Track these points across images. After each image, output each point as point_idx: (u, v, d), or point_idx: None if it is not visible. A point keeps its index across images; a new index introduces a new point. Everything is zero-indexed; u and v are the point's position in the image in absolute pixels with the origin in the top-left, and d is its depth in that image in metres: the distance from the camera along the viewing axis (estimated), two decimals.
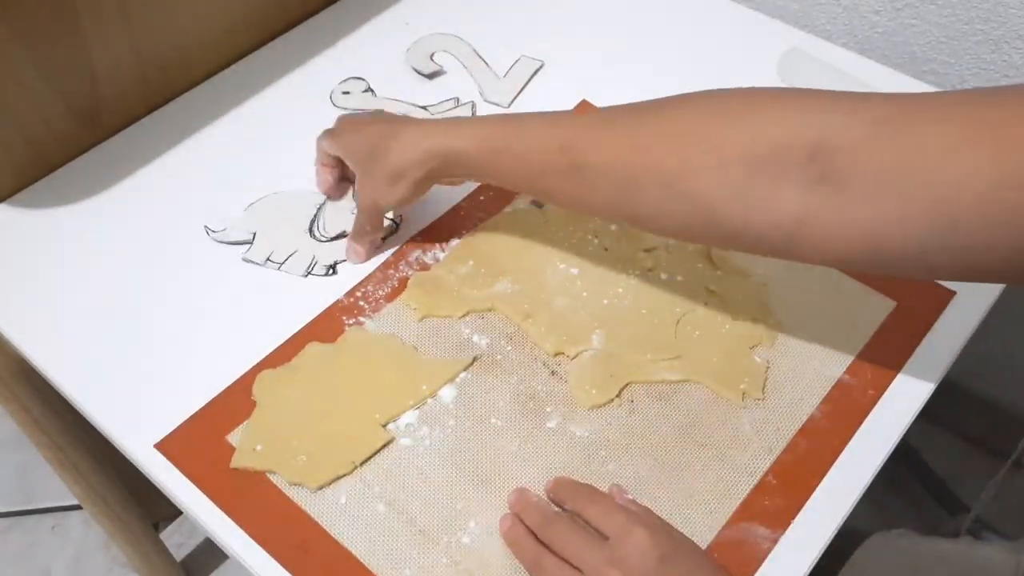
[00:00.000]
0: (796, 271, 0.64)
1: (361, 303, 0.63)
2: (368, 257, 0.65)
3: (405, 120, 0.61)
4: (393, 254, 0.65)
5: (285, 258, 0.65)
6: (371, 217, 0.63)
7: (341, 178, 0.69)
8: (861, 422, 0.57)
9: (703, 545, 0.51)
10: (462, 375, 0.59)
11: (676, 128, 0.49)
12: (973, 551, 0.62)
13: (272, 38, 0.82)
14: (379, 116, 0.64)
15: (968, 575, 0.56)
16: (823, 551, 0.52)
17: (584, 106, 0.76)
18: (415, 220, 0.67)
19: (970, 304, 0.62)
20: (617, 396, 0.58)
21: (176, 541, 1.19)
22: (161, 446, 0.55)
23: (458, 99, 0.77)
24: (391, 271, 0.64)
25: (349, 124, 0.65)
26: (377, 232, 0.64)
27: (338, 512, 0.53)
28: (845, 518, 0.53)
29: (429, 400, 0.58)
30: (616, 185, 0.51)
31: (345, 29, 0.83)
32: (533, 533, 0.51)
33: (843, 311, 0.62)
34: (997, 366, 1.07)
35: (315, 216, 0.67)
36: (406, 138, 0.59)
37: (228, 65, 0.80)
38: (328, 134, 0.66)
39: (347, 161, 0.64)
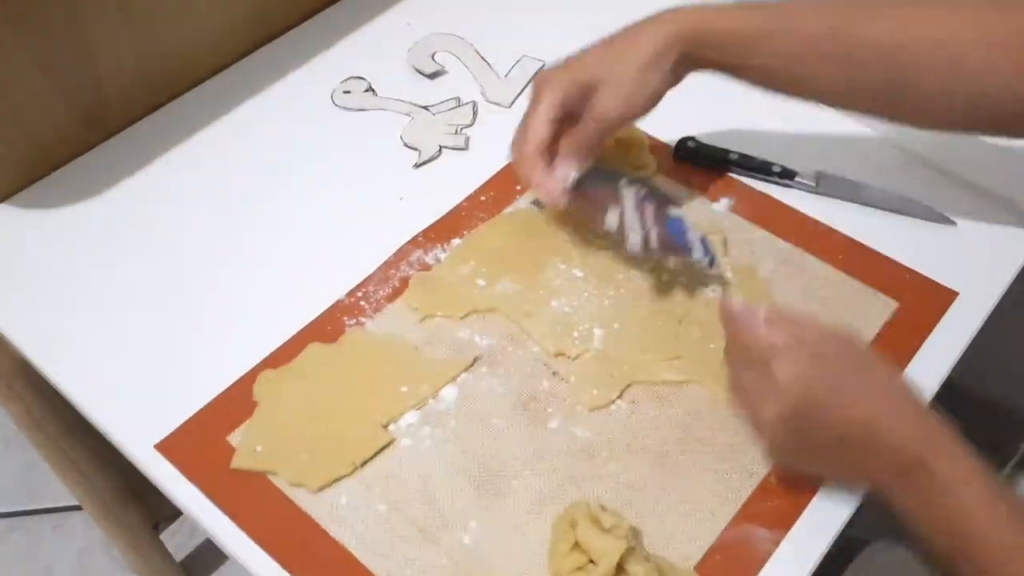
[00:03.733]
0: (798, 271, 0.64)
1: (362, 303, 0.62)
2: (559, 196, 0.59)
3: (622, 28, 0.58)
4: (394, 254, 0.65)
5: None
6: (609, 128, 0.58)
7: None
8: None
9: (703, 547, 0.51)
10: (463, 375, 0.59)
11: (951, 13, 0.52)
12: None
13: (273, 38, 0.82)
14: (582, 50, 0.59)
15: None
16: (825, 553, 0.52)
17: None
18: (416, 220, 0.67)
19: (972, 305, 0.62)
20: (618, 396, 0.58)
21: (176, 542, 1.19)
22: (161, 447, 0.55)
23: (459, 99, 0.77)
24: (392, 271, 0.64)
25: (552, 69, 0.59)
26: (599, 148, 0.59)
27: (339, 513, 0.53)
28: (847, 520, 0.53)
29: (430, 400, 0.57)
30: (891, 69, 0.52)
31: (346, 29, 0.83)
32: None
33: (845, 312, 0.62)
34: (999, 367, 1.07)
35: None
36: (650, 27, 0.56)
37: (230, 64, 0.80)
38: (545, 87, 0.58)
39: (576, 91, 0.57)
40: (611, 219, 0.60)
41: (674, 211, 0.62)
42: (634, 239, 0.59)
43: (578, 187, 0.60)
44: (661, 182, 0.70)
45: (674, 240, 0.60)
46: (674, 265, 0.62)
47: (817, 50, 0.54)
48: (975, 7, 0.52)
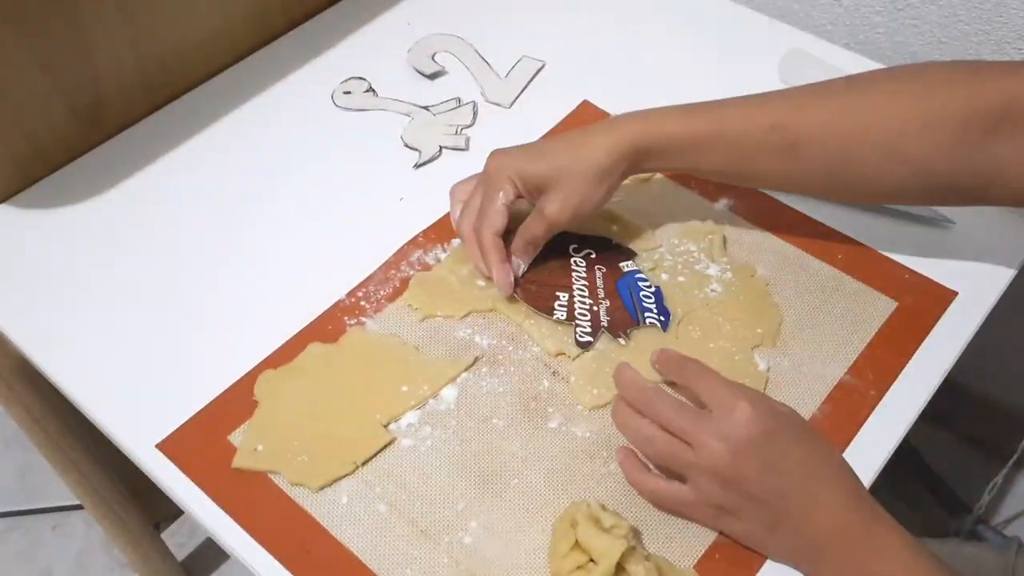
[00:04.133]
0: (798, 271, 0.64)
1: (362, 303, 0.63)
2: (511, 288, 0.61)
3: (580, 129, 0.59)
4: (394, 254, 0.65)
5: None
6: (558, 228, 0.60)
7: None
8: (863, 423, 0.57)
9: (703, 548, 0.51)
10: (463, 375, 0.59)
11: (889, 98, 0.54)
12: (962, 552, 0.63)
13: (274, 38, 0.82)
14: (534, 142, 0.62)
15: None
16: None
17: (585, 106, 0.76)
18: (417, 220, 0.67)
19: (972, 304, 0.62)
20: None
21: (177, 541, 1.19)
22: (162, 446, 0.56)
23: (459, 99, 0.77)
24: (392, 271, 0.64)
25: (508, 153, 0.60)
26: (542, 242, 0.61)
27: (339, 512, 0.53)
28: None
29: (430, 400, 0.58)
30: (833, 156, 0.55)
31: (346, 29, 0.84)
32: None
33: (844, 311, 0.62)
34: (998, 366, 1.07)
35: None
36: (602, 137, 0.58)
37: (230, 65, 0.80)
38: (485, 179, 0.61)
39: (530, 183, 0.59)
40: (560, 311, 0.61)
41: (627, 266, 0.63)
42: (582, 336, 0.60)
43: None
44: (661, 182, 0.70)
45: (628, 313, 0.61)
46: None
47: (761, 147, 0.56)
48: (896, 95, 0.54)
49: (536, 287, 0.62)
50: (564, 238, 0.64)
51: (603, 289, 0.62)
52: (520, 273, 0.62)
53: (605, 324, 0.60)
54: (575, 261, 0.64)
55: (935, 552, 0.47)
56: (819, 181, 0.57)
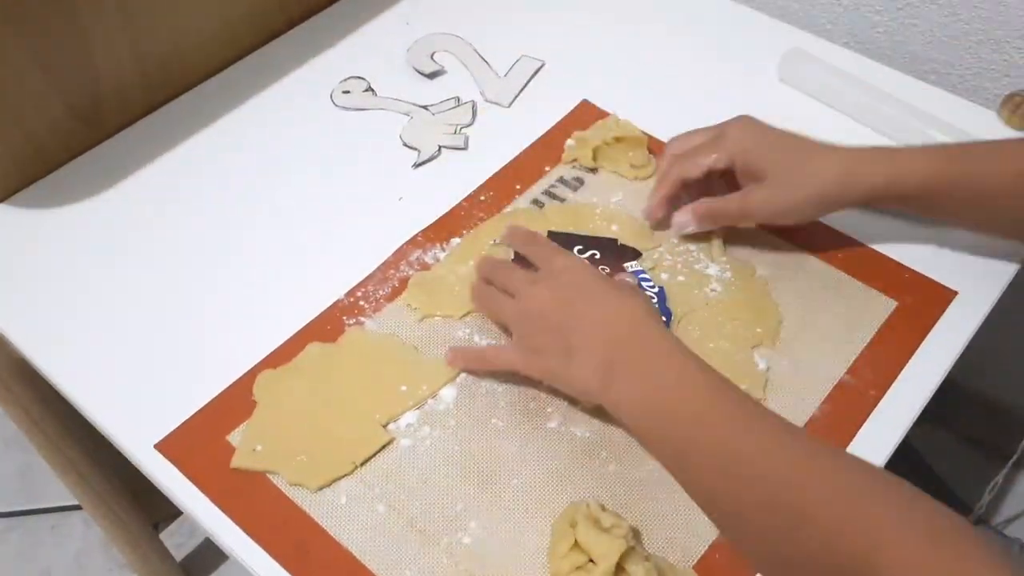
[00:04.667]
0: (797, 271, 0.64)
1: (361, 303, 0.63)
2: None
3: (814, 141, 0.60)
4: (393, 254, 0.65)
5: None
6: (749, 221, 0.62)
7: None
8: (862, 422, 0.56)
9: (702, 548, 0.51)
10: (462, 376, 0.59)
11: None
12: None
13: (273, 37, 0.82)
14: (777, 129, 0.61)
15: None
16: None
17: (584, 106, 0.76)
18: (416, 220, 0.67)
19: (972, 304, 0.62)
20: None
21: (176, 541, 1.19)
22: (161, 446, 0.55)
23: (458, 98, 0.77)
24: (391, 271, 0.64)
25: (747, 128, 0.61)
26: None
27: (338, 512, 0.53)
28: None
29: (430, 400, 0.57)
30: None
31: (346, 28, 0.83)
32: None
33: (844, 311, 0.62)
34: (998, 366, 1.07)
35: None
36: (829, 161, 0.58)
37: (229, 64, 0.80)
38: (715, 138, 0.62)
39: (745, 167, 0.60)
40: None
41: (631, 266, 0.63)
42: None
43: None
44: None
45: None
46: None
47: (1007, 192, 0.56)
48: None
49: None
50: (568, 240, 0.64)
51: None
52: (685, 230, 0.63)
53: None
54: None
55: (715, 371, 0.50)
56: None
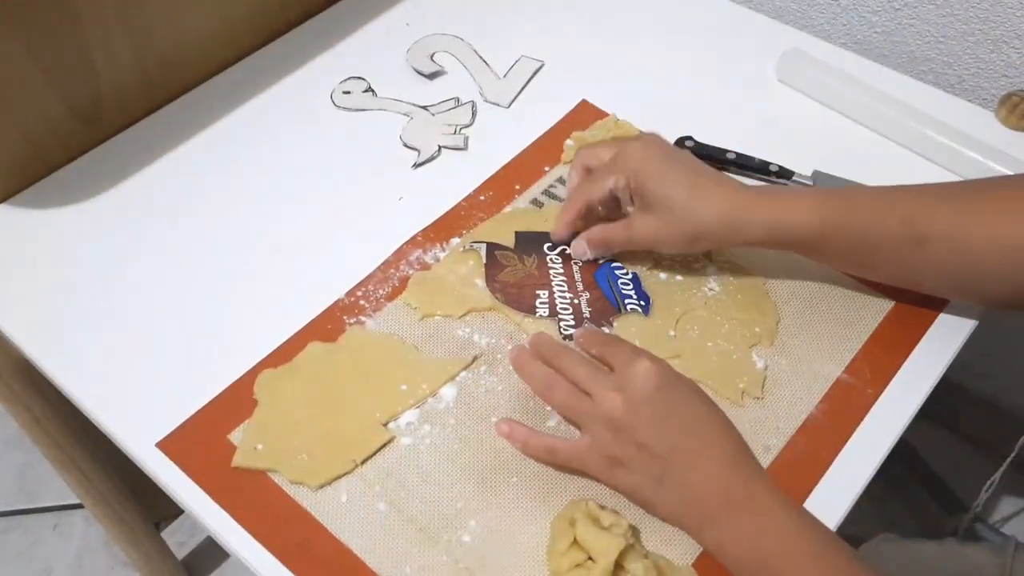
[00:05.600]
0: (795, 271, 0.64)
1: (362, 302, 0.63)
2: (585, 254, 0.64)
3: (713, 175, 0.59)
4: (393, 253, 0.66)
5: None
6: (632, 247, 0.62)
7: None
8: (860, 421, 0.57)
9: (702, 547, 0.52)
10: (462, 374, 0.59)
11: (1015, 202, 0.53)
12: (960, 552, 0.63)
13: (273, 38, 0.83)
14: (680, 156, 0.60)
15: None
16: None
17: (583, 106, 0.76)
18: (416, 219, 0.68)
19: (969, 304, 0.62)
20: None
21: (177, 540, 1.19)
22: (162, 445, 0.56)
23: (458, 99, 0.77)
24: (391, 270, 0.65)
25: (651, 153, 0.60)
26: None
27: (339, 511, 0.53)
28: (844, 517, 0.53)
29: (430, 399, 0.58)
30: (956, 255, 0.54)
31: (346, 29, 0.84)
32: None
33: (842, 310, 0.62)
34: (996, 366, 1.08)
35: None
36: (720, 201, 0.57)
37: (229, 65, 0.80)
38: (617, 159, 0.61)
39: (641, 193, 0.59)
40: (541, 308, 0.62)
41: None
42: (566, 329, 0.61)
43: (501, 268, 0.63)
44: None
45: (609, 303, 0.62)
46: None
47: (889, 240, 0.55)
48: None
49: (516, 289, 0.62)
50: (539, 237, 0.65)
51: (581, 282, 0.63)
52: (583, 257, 0.64)
53: (587, 315, 0.61)
54: (551, 259, 0.64)
55: (814, 517, 0.49)
56: (937, 278, 0.57)
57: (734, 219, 0.57)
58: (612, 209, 0.62)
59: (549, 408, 0.57)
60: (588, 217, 0.63)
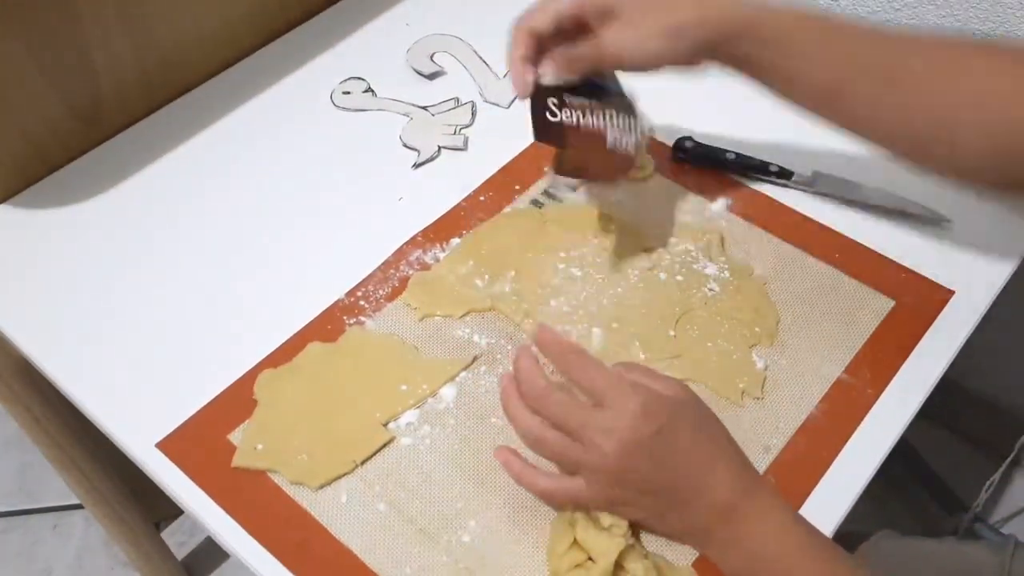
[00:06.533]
0: (795, 270, 0.64)
1: (362, 303, 0.63)
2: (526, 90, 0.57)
3: None
4: (393, 254, 0.66)
5: None
6: (605, 65, 0.55)
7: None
8: (860, 421, 0.57)
9: None
10: (462, 374, 0.59)
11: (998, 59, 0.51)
12: (960, 551, 0.63)
13: (273, 39, 0.83)
14: None
15: (955, 575, 0.57)
16: None
17: None
18: (416, 220, 0.68)
19: (968, 303, 0.62)
20: None
21: (177, 540, 1.19)
22: (162, 445, 0.56)
23: (458, 99, 0.77)
24: (391, 271, 0.65)
25: None
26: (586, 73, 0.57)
27: (339, 511, 0.53)
28: (844, 517, 0.53)
29: (429, 399, 0.58)
30: (931, 99, 0.51)
31: (346, 30, 0.84)
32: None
33: (842, 310, 0.62)
34: (996, 366, 1.08)
35: None
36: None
37: (229, 65, 0.80)
38: None
39: (594, 7, 0.54)
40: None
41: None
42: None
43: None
44: (659, 182, 0.70)
45: (597, 99, 0.57)
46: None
47: (866, 69, 0.52)
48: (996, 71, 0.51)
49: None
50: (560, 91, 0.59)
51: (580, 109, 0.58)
52: (544, 80, 0.57)
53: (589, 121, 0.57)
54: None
55: (811, 524, 0.49)
56: (911, 129, 0.53)
57: (707, 8, 0.53)
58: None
59: None
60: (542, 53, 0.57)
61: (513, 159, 0.72)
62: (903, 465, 1.13)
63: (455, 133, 0.74)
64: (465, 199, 0.69)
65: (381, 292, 0.63)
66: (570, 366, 0.50)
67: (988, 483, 0.87)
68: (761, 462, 0.55)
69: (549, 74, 0.57)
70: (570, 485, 0.50)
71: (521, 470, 0.51)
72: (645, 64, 0.55)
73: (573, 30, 0.55)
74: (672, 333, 0.61)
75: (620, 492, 0.49)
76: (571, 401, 0.50)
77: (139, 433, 0.56)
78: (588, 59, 0.55)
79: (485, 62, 0.81)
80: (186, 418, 0.57)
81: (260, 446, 0.55)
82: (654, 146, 0.71)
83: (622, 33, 0.53)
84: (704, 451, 0.50)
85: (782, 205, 0.68)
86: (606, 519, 0.49)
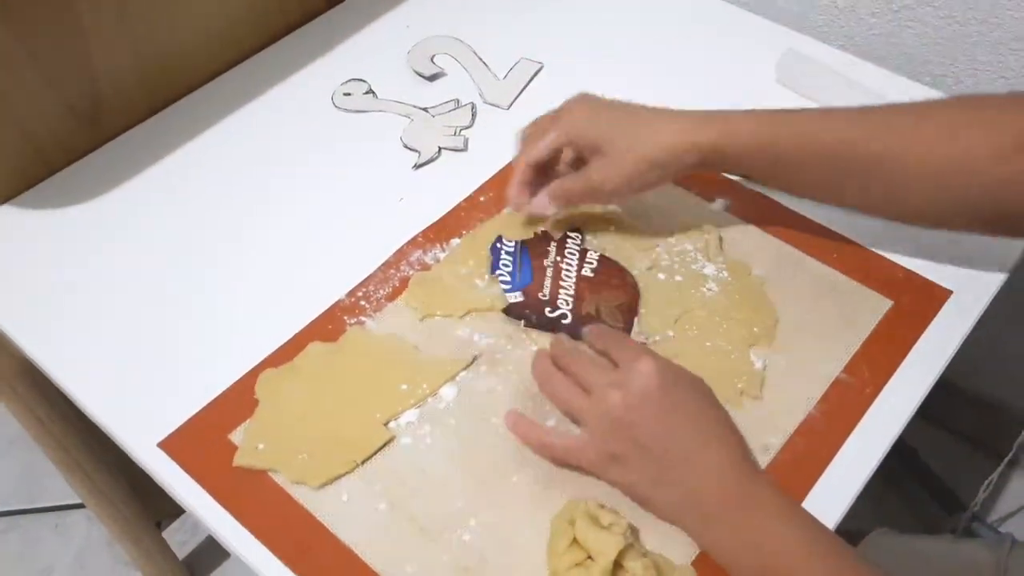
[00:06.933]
0: (794, 270, 0.64)
1: (362, 303, 0.63)
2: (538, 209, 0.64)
3: (650, 108, 0.60)
4: (394, 254, 0.66)
5: None
6: (595, 196, 0.62)
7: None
8: (858, 421, 0.57)
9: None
10: (462, 374, 0.59)
11: (952, 123, 0.55)
12: (957, 549, 0.63)
13: (273, 40, 0.83)
14: (614, 101, 0.62)
15: (952, 572, 0.57)
16: None
17: None
18: (416, 220, 0.68)
19: (967, 303, 0.62)
20: None
21: (179, 539, 1.19)
22: (164, 445, 0.56)
23: (458, 100, 0.78)
24: (392, 271, 0.65)
25: (581, 105, 0.62)
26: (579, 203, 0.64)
27: (340, 510, 0.53)
28: (843, 517, 0.53)
29: (430, 399, 0.58)
30: (888, 174, 0.55)
31: (346, 31, 0.84)
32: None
33: (840, 310, 0.62)
34: (994, 365, 1.08)
35: None
36: (662, 127, 0.58)
37: (230, 67, 0.80)
38: (554, 119, 0.62)
39: (582, 142, 0.61)
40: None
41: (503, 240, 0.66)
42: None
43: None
44: None
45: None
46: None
47: (824, 159, 0.57)
48: (963, 123, 0.54)
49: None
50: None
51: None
52: (545, 212, 0.63)
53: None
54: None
55: (814, 517, 0.49)
56: (876, 200, 0.58)
57: (682, 141, 0.57)
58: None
59: (549, 408, 0.57)
60: (539, 180, 0.63)
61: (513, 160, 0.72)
62: (901, 464, 1.13)
63: (455, 134, 0.75)
64: (465, 200, 0.70)
65: (382, 292, 0.64)
66: (598, 336, 0.56)
67: (986, 482, 0.87)
68: (760, 461, 0.55)
69: (550, 208, 0.63)
70: (571, 438, 0.53)
71: (527, 428, 0.55)
72: (632, 194, 0.61)
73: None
74: (671, 333, 0.61)
75: (619, 447, 0.51)
76: (592, 358, 0.55)
77: (141, 433, 0.57)
78: (578, 192, 0.61)
79: (485, 64, 0.81)
80: (187, 418, 0.57)
81: (261, 445, 0.55)
82: None
83: (608, 169, 0.59)
84: (709, 425, 0.51)
85: (781, 205, 0.68)
86: (606, 517, 0.50)
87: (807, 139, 0.57)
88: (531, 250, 0.65)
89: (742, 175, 0.63)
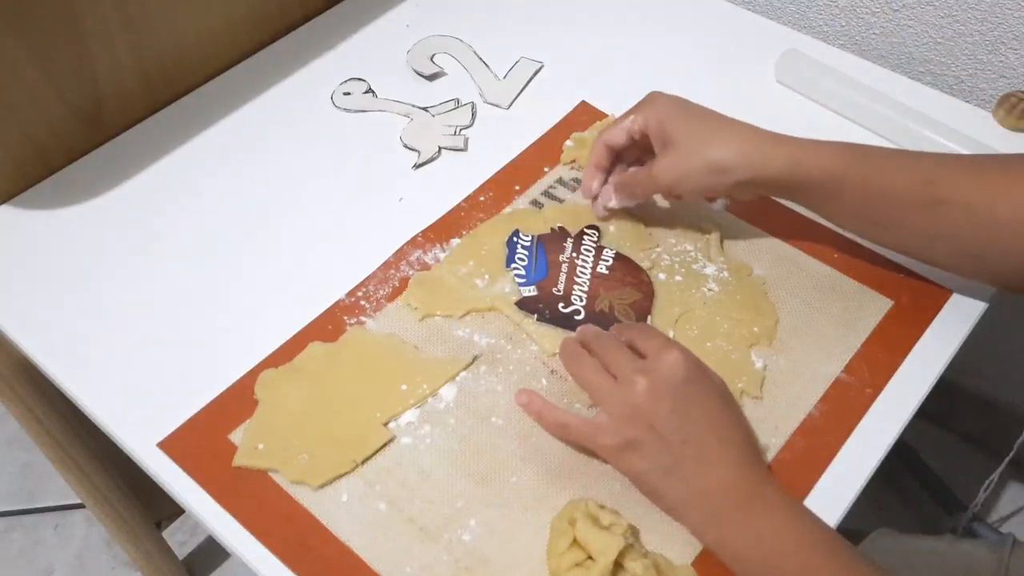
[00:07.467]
0: (794, 270, 0.64)
1: (362, 303, 0.63)
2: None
3: (731, 118, 0.60)
4: (394, 254, 0.66)
5: None
6: (656, 190, 0.63)
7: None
8: (859, 421, 0.57)
9: (701, 545, 0.52)
10: (462, 374, 0.59)
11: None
12: (957, 549, 0.63)
13: (273, 40, 0.83)
14: (697, 104, 0.62)
15: (952, 572, 0.57)
16: None
17: (584, 107, 0.76)
18: (416, 220, 0.68)
19: (967, 303, 0.62)
20: None
21: (179, 539, 1.19)
22: (164, 445, 0.56)
23: (458, 100, 0.78)
24: (392, 271, 0.65)
25: (666, 97, 0.62)
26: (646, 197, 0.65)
27: (339, 510, 0.53)
28: (843, 516, 0.53)
29: (430, 399, 0.58)
30: (974, 225, 0.54)
31: (346, 31, 0.84)
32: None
33: (841, 310, 0.62)
34: (994, 365, 1.08)
35: None
36: (741, 136, 0.58)
37: (230, 67, 0.80)
38: (635, 107, 0.63)
39: (659, 131, 0.60)
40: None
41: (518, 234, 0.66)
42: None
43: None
44: None
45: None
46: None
47: (908, 198, 0.55)
48: None
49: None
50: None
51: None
52: (609, 204, 0.65)
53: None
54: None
55: (820, 519, 0.49)
56: (957, 251, 0.56)
57: (754, 152, 0.57)
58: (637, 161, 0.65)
59: (554, 401, 0.57)
60: (612, 169, 0.66)
61: (513, 159, 0.72)
62: (902, 465, 1.13)
63: (455, 134, 0.75)
64: (465, 199, 0.70)
65: (382, 292, 0.64)
66: (624, 330, 0.57)
67: (987, 482, 0.87)
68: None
69: (613, 200, 0.65)
70: (590, 419, 0.53)
71: (543, 405, 0.55)
72: (691, 196, 0.61)
73: (644, 146, 0.63)
74: (671, 333, 0.61)
75: (637, 433, 0.51)
76: (618, 342, 0.55)
77: (140, 433, 0.57)
78: (642, 186, 0.63)
79: (485, 63, 0.81)
80: (187, 418, 0.57)
81: (261, 446, 0.55)
82: None
83: (674, 166, 0.60)
84: (727, 423, 0.52)
85: (781, 205, 0.68)
86: (606, 518, 0.50)
87: (883, 171, 0.56)
88: (547, 245, 0.65)
89: (795, 199, 0.61)
